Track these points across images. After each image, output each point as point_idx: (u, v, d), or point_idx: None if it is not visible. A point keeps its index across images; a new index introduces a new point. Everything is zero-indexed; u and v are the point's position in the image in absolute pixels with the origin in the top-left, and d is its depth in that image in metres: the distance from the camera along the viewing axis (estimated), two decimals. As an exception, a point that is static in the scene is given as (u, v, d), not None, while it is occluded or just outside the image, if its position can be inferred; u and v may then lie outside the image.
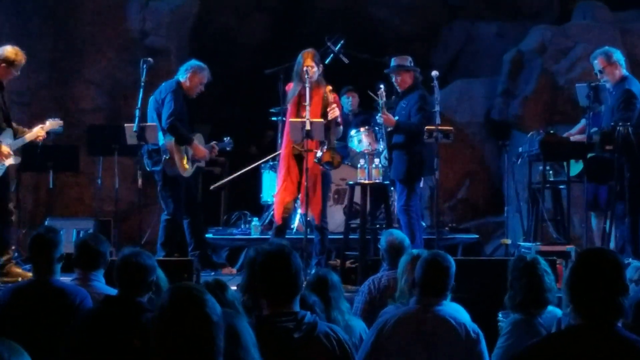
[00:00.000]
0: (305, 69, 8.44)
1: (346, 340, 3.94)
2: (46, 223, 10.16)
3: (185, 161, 9.17)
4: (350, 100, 11.70)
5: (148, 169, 9.25)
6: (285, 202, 8.73)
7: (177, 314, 2.88)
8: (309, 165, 8.42)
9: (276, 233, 8.82)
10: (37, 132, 8.75)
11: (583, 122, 9.28)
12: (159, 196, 9.34)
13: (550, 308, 5.21)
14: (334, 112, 8.62)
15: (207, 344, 2.88)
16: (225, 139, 9.75)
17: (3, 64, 8.46)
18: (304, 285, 4.38)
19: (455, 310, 5.05)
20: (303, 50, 8.73)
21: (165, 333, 2.89)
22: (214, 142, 9.57)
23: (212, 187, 11.49)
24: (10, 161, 8.59)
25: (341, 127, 8.95)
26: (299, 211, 10.14)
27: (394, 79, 9.30)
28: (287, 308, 3.88)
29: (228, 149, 9.79)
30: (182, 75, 9.17)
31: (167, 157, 8.99)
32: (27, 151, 10.17)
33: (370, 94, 10.33)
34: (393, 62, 9.33)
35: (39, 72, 11.97)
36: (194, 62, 9.27)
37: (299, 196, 8.80)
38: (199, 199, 9.47)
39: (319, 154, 8.46)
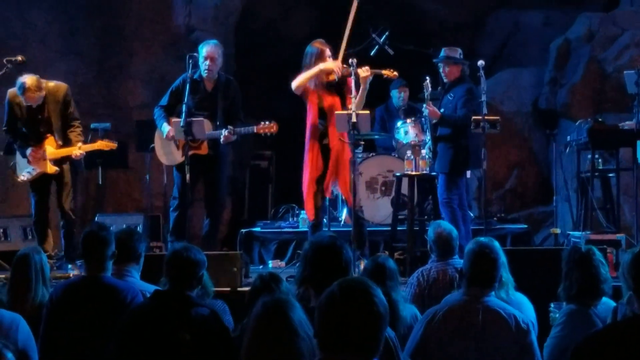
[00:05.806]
0: (351, 61, 8.41)
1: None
2: (96, 219, 10.24)
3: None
4: (402, 95, 11.57)
5: None
6: (315, 197, 8.63)
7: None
8: (338, 152, 8.47)
9: (313, 230, 8.56)
10: (73, 149, 8.77)
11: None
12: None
13: (604, 299, 5.14)
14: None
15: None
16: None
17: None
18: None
19: (516, 301, 5.03)
20: (315, 41, 8.84)
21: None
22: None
23: None
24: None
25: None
26: (345, 203, 10.12)
27: (441, 70, 9.24)
28: None
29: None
30: None
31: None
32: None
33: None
34: (443, 52, 9.20)
35: (87, 70, 12.08)
36: None
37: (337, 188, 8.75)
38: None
39: None
